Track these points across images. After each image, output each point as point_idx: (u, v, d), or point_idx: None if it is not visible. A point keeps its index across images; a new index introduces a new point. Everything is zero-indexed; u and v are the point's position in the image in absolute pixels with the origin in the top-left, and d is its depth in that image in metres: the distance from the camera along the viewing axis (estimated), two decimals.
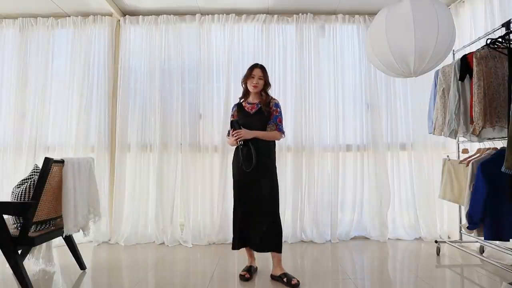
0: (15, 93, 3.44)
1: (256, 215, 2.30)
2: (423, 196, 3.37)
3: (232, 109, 2.57)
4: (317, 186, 3.38)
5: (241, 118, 2.42)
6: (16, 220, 2.13)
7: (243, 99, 2.52)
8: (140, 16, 3.52)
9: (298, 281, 2.19)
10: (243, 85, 2.50)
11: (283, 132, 2.45)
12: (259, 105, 2.42)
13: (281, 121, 2.43)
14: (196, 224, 3.34)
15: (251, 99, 2.48)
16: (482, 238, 2.41)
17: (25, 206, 2.00)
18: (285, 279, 2.22)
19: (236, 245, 2.39)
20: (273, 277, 2.32)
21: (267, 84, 2.46)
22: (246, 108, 2.45)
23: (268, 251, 2.33)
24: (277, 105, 2.44)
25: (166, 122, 3.41)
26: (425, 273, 2.44)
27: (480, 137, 2.56)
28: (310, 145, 3.39)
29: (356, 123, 3.48)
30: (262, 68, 2.46)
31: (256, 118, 2.39)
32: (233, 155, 2.48)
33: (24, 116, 3.43)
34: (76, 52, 3.48)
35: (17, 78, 3.45)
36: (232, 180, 2.47)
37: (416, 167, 3.42)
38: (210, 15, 3.50)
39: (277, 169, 2.43)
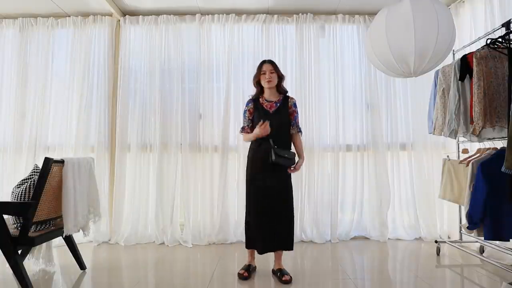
0: (15, 93, 3.44)
1: (277, 215, 2.29)
2: (423, 196, 3.37)
3: (247, 104, 2.47)
4: (317, 186, 3.38)
5: (260, 116, 2.37)
6: (16, 220, 2.13)
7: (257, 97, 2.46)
8: (140, 16, 3.52)
9: (290, 277, 2.23)
10: (255, 84, 2.45)
11: (302, 133, 2.52)
12: (278, 104, 2.41)
13: (299, 121, 2.49)
14: (196, 224, 3.34)
15: (267, 96, 2.44)
16: (482, 238, 2.41)
17: (25, 206, 2.00)
18: (278, 274, 2.27)
19: (249, 244, 2.39)
20: (273, 271, 2.39)
21: (281, 78, 2.43)
22: (264, 106, 2.40)
23: (282, 250, 2.36)
24: (295, 105, 2.46)
25: (166, 122, 3.41)
26: (425, 273, 2.44)
27: (480, 137, 2.56)
28: (310, 145, 3.38)
29: (356, 123, 3.48)
30: (271, 62, 2.43)
31: (276, 118, 2.35)
32: (249, 155, 2.41)
33: (24, 116, 3.43)
34: (76, 52, 3.48)
35: (17, 78, 3.45)
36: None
37: (416, 167, 3.42)
38: (210, 15, 3.50)
39: None
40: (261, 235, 2.30)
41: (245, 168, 2.45)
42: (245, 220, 2.41)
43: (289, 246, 2.33)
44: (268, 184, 2.30)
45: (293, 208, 2.38)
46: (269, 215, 2.28)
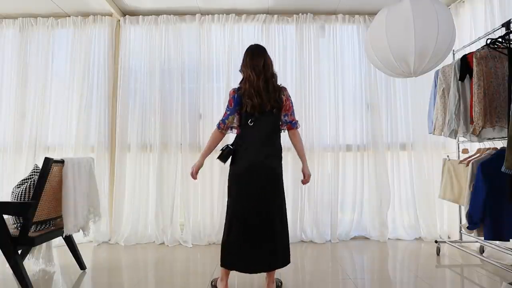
0: (15, 93, 3.44)
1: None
2: (423, 196, 3.37)
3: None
4: (317, 186, 3.38)
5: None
6: (16, 220, 2.13)
7: None
8: (140, 16, 3.52)
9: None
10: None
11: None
12: None
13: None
14: (196, 224, 3.34)
15: None
16: (482, 238, 2.41)
17: (25, 206, 2.00)
18: None
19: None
20: None
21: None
22: None
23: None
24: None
25: (166, 122, 3.41)
26: (425, 273, 2.44)
27: (480, 137, 2.56)
28: (310, 145, 3.38)
29: (356, 123, 3.48)
30: None
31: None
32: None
33: (24, 116, 3.43)
34: (76, 52, 3.48)
35: (17, 78, 3.45)
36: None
37: (416, 167, 3.42)
38: (210, 15, 3.50)
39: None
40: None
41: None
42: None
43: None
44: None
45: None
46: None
